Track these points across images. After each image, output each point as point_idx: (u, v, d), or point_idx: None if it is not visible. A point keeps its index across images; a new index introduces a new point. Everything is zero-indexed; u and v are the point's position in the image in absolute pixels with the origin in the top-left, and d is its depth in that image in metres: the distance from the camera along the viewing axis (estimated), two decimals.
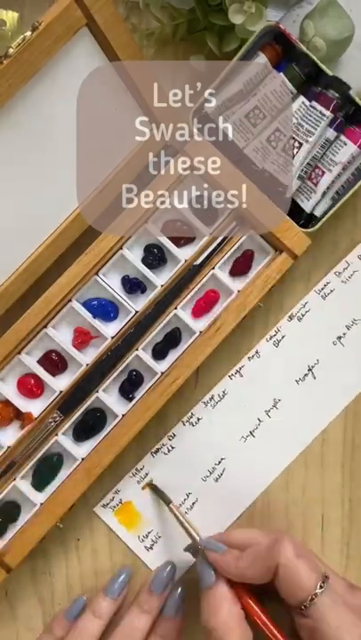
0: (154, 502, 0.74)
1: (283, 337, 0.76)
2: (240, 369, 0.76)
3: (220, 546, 0.65)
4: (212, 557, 0.64)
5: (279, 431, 0.75)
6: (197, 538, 0.67)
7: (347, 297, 0.76)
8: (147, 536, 0.74)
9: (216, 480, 0.75)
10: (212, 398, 0.75)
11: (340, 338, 0.76)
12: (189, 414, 0.75)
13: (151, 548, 0.74)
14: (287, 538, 0.61)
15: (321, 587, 0.59)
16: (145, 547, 0.74)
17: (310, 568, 0.60)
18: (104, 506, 0.74)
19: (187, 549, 0.69)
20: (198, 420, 0.75)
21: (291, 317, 0.76)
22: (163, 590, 0.69)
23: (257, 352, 0.76)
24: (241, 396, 0.75)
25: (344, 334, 0.76)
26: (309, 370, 0.76)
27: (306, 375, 0.76)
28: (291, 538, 0.62)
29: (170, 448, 0.75)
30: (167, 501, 0.71)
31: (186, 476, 0.75)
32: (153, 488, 0.74)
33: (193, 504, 0.74)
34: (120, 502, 0.74)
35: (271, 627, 0.61)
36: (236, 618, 0.61)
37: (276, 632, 0.61)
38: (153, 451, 0.75)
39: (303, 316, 0.76)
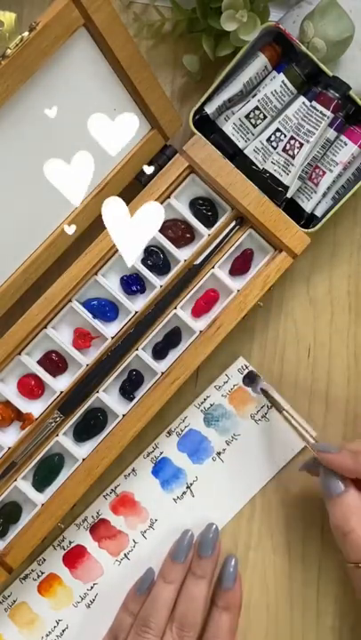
0: (21, 632, 0.72)
1: (160, 453, 0.75)
2: (115, 488, 0.75)
3: (334, 447, 0.65)
4: (328, 458, 0.65)
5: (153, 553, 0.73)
6: (311, 440, 0.67)
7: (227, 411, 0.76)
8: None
9: (88, 606, 0.73)
10: (85, 520, 0.74)
11: (219, 454, 0.75)
12: (61, 538, 0.74)
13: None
14: None
15: None
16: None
17: None
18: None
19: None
20: (70, 543, 0.74)
21: (170, 433, 0.75)
22: (213, 551, 0.69)
23: (133, 470, 0.75)
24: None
25: (224, 450, 0.75)
26: (188, 487, 0.75)
27: (184, 493, 0.75)
28: None
29: (39, 574, 0.73)
30: (280, 408, 0.70)
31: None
32: (265, 393, 0.72)
33: (63, 631, 0.73)
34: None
35: None
36: None
37: None
38: (22, 577, 0.73)
39: (182, 431, 0.75)
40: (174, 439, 0.75)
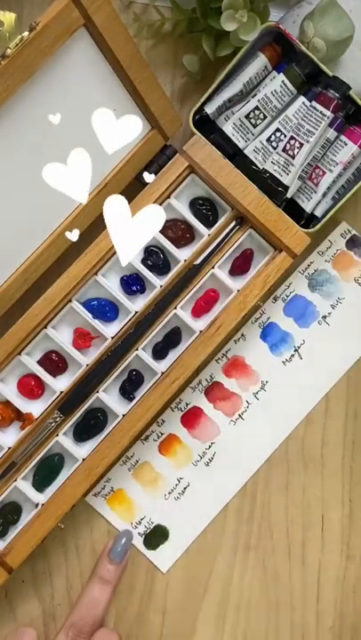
0: (145, 490, 0.75)
1: (268, 318, 0.77)
2: (226, 353, 0.77)
3: None
4: None
5: (267, 412, 0.76)
6: None
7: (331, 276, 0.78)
8: (140, 522, 0.75)
9: (207, 464, 0.75)
10: (199, 383, 0.76)
11: (325, 317, 0.77)
12: (178, 400, 0.76)
13: (145, 534, 0.75)
14: None
15: None
16: (138, 533, 0.75)
17: None
18: (96, 494, 0.75)
19: None
20: (187, 404, 0.76)
21: (275, 299, 0.77)
22: (123, 559, 0.71)
23: (242, 335, 0.77)
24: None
25: (329, 314, 0.77)
26: (296, 350, 0.76)
27: (293, 356, 0.76)
28: None
29: (159, 434, 0.75)
30: None
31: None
32: None
33: (185, 489, 0.75)
34: (112, 490, 0.75)
35: None
36: None
37: None
38: (143, 438, 0.75)
39: (288, 297, 0.77)
40: (280, 305, 0.77)
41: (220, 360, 0.76)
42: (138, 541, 0.75)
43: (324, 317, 0.77)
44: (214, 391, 0.76)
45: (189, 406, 0.76)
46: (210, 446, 0.76)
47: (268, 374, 0.77)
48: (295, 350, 0.77)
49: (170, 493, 0.75)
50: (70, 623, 0.68)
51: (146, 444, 0.76)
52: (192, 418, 0.76)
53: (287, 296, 0.77)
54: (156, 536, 0.75)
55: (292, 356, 0.77)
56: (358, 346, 0.77)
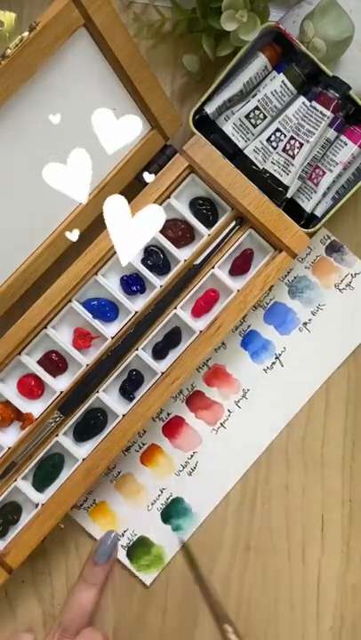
0: (127, 502, 0.75)
1: (248, 326, 0.77)
2: (207, 361, 0.76)
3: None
4: None
5: (249, 420, 0.76)
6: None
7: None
8: (123, 534, 0.75)
9: (190, 474, 0.76)
10: (180, 392, 0.76)
11: (305, 324, 0.77)
12: (159, 410, 0.75)
13: (128, 546, 0.75)
14: None
15: None
16: (122, 545, 0.74)
17: None
18: (78, 507, 0.75)
19: None
20: (168, 414, 0.76)
21: (255, 306, 0.77)
22: (107, 560, 0.71)
23: (223, 343, 0.76)
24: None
25: (310, 320, 0.77)
26: (277, 358, 0.76)
27: (274, 363, 0.76)
28: None
29: (141, 445, 0.75)
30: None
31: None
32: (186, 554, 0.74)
33: (168, 499, 0.75)
34: (94, 503, 0.75)
35: None
36: None
37: None
38: (124, 449, 0.75)
39: (268, 304, 0.77)
40: (260, 312, 0.77)
41: (201, 369, 0.76)
42: (121, 554, 0.74)
43: (305, 324, 0.77)
44: (195, 400, 0.76)
45: (171, 416, 0.76)
46: (192, 456, 0.76)
47: (250, 382, 0.76)
48: (276, 358, 0.76)
49: (152, 504, 0.75)
50: (57, 625, 0.68)
51: (128, 455, 0.75)
52: (174, 427, 0.76)
53: (267, 303, 0.77)
54: (140, 548, 0.75)
55: (274, 363, 0.76)
56: (340, 352, 0.77)
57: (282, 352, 0.76)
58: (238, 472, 0.76)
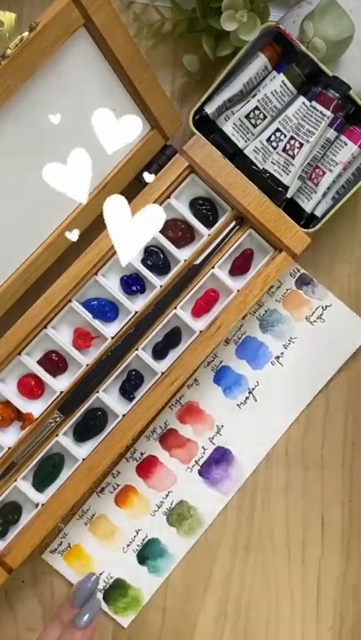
0: (102, 544, 0.74)
1: (220, 362, 0.76)
2: (180, 399, 0.76)
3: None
4: None
5: None
6: None
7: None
8: (99, 577, 0.73)
9: (165, 514, 0.75)
10: (154, 431, 0.75)
11: (278, 358, 0.76)
12: (133, 450, 0.75)
13: (104, 589, 0.74)
14: None
15: None
16: (98, 589, 0.73)
17: None
18: (52, 551, 0.74)
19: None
20: (142, 454, 0.75)
21: (227, 341, 0.76)
22: (85, 603, 0.65)
23: (195, 380, 0.76)
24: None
25: (282, 354, 0.76)
26: (250, 392, 0.76)
27: (247, 398, 0.76)
28: None
29: (115, 486, 0.75)
30: None
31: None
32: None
33: (143, 540, 0.75)
34: (69, 546, 0.74)
35: None
36: None
37: None
38: (98, 490, 0.74)
39: (240, 339, 0.76)
40: (232, 347, 0.76)
41: (174, 406, 0.76)
42: (98, 597, 0.72)
43: (278, 358, 0.76)
44: (169, 439, 0.75)
45: (145, 455, 0.75)
46: (167, 495, 0.75)
47: (224, 418, 0.76)
48: (250, 392, 0.76)
49: (128, 546, 0.74)
50: None
51: (102, 497, 0.75)
52: (148, 467, 0.75)
53: (239, 338, 0.76)
54: (116, 590, 0.74)
55: (247, 398, 0.76)
56: (313, 385, 0.76)
57: (255, 386, 0.76)
58: (214, 510, 0.75)
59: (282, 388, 0.76)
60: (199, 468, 0.75)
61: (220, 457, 0.75)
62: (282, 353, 0.76)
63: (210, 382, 0.76)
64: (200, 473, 0.75)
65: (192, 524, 0.75)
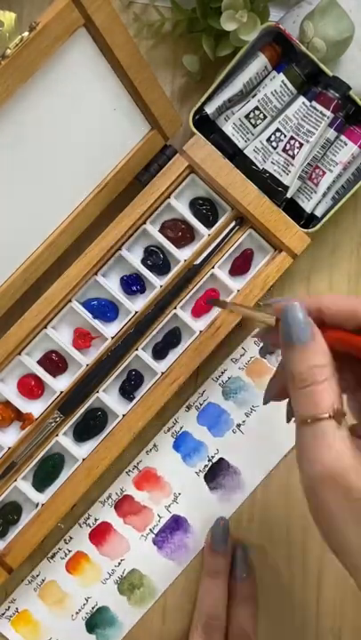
0: (51, 610, 0.73)
1: (181, 427, 0.75)
2: (137, 464, 0.75)
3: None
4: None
5: None
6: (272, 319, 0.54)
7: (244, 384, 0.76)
8: None
9: (116, 582, 0.74)
10: (109, 497, 0.74)
11: (239, 426, 0.75)
12: (86, 515, 0.74)
13: None
14: None
15: None
16: None
17: None
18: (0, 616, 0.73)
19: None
20: (95, 520, 0.74)
21: (189, 407, 0.75)
22: (225, 546, 0.71)
23: (155, 445, 0.75)
24: None
25: (243, 422, 0.75)
26: (209, 460, 0.75)
27: (206, 466, 0.75)
28: None
29: (67, 552, 0.74)
30: (225, 305, 0.64)
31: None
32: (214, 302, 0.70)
33: (93, 608, 0.74)
34: (16, 611, 0.73)
35: None
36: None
37: None
38: (49, 556, 0.73)
39: (201, 405, 0.75)
40: (194, 413, 0.75)
41: (131, 472, 0.74)
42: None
43: (239, 426, 0.75)
44: (125, 505, 0.74)
45: (98, 522, 0.74)
46: (119, 563, 0.73)
47: (182, 486, 0.74)
48: (209, 460, 0.75)
49: (77, 613, 0.73)
50: (197, 619, 0.70)
51: (52, 563, 0.73)
52: (101, 534, 0.74)
53: (201, 404, 0.75)
54: None
55: (206, 466, 0.75)
56: (272, 456, 0.75)
57: (215, 454, 0.75)
58: (167, 580, 0.74)
59: (241, 457, 0.75)
60: (153, 536, 0.74)
61: (176, 525, 0.74)
62: (243, 421, 0.75)
63: (169, 448, 0.75)
64: (154, 542, 0.74)
65: (143, 594, 0.73)
